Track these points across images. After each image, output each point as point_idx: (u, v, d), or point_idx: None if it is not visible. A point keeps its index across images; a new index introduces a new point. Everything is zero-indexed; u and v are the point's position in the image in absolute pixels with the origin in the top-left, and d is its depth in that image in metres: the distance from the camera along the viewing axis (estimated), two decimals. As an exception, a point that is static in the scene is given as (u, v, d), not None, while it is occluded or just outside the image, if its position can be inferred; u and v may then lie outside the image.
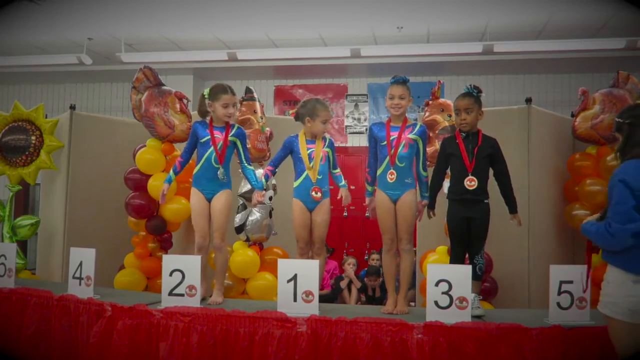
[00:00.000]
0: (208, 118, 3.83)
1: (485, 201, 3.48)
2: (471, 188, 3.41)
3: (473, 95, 3.50)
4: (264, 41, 7.26)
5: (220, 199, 3.73)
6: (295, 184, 3.70)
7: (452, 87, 7.89)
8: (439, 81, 4.99)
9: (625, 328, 2.43)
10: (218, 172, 3.71)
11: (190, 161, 3.89)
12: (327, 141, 3.73)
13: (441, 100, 4.78)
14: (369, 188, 3.67)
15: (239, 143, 3.79)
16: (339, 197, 3.71)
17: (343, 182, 3.73)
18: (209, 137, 3.72)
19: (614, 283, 2.46)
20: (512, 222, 3.60)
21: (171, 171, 3.85)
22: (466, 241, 3.45)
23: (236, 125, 3.83)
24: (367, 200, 3.71)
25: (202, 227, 3.75)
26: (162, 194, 3.82)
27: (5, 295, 3.89)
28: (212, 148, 3.69)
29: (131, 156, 4.97)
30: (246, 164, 3.82)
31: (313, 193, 3.64)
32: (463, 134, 3.53)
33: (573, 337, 2.88)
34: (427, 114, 4.74)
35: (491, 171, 3.56)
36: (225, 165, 3.74)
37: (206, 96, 3.76)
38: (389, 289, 3.58)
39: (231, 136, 3.75)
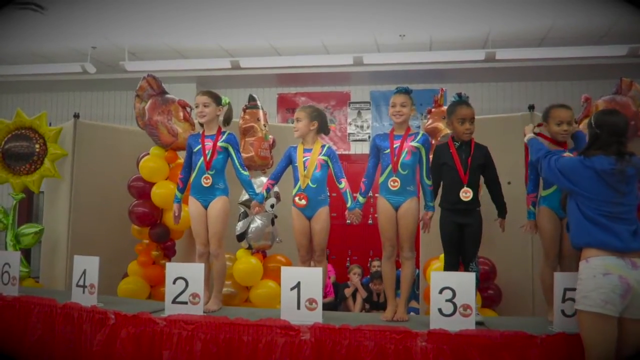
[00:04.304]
0: (201, 130, 3.89)
1: (477, 209, 3.48)
2: (466, 200, 3.41)
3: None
4: (267, 49, 7.28)
5: (216, 205, 3.75)
6: (293, 192, 3.71)
7: (454, 94, 7.88)
8: (442, 89, 5.00)
9: (597, 321, 2.53)
10: (202, 177, 3.72)
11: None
12: (325, 149, 3.72)
13: (444, 107, 4.78)
14: (361, 199, 3.63)
15: (231, 149, 3.82)
16: (348, 222, 3.68)
17: (350, 204, 3.62)
18: (200, 146, 3.77)
19: (586, 279, 2.57)
20: (496, 223, 3.58)
21: (177, 192, 3.94)
22: (460, 248, 3.45)
23: (227, 132, 3.86)
24: (346, 213, 3.62)
25: (202, 235, 3.78)
26: (175, 215, 3.91)
27: (9, 303, 3.89)
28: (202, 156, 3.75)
29: (135, 164, 4.98)
30: (241, 170, 3.84)
31: (296, 199, 3.65)
32: (457, 143, 3.51)
33: (577, 344, 2.86)
34: (429, 121, 4.75)
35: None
36: (218, 171, 3.76)
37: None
38: (389, 296, 3.58)
39: (221, 142, 3.79)
